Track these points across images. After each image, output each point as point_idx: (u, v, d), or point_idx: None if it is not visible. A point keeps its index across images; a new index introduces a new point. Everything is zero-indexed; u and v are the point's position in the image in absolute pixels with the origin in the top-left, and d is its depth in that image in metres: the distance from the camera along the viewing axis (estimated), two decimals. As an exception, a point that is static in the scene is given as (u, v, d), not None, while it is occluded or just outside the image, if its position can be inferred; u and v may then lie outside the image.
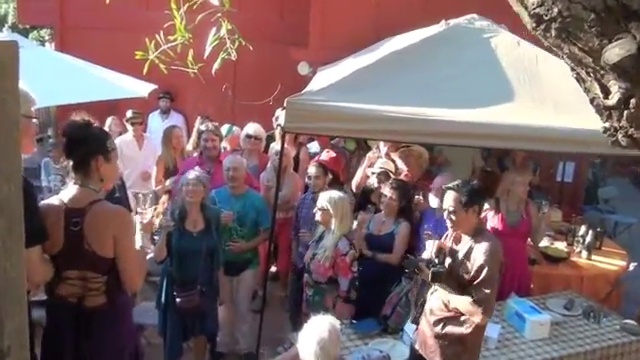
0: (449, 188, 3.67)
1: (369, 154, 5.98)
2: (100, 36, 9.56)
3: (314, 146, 6.70)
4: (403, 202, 5.08)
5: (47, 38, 16.81)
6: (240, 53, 9.32)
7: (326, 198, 4.69)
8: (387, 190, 5.10)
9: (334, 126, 4.44)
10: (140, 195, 3.67)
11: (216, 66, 3.00)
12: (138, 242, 3.28)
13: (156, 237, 4.85)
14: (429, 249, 3.75)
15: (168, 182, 6.35)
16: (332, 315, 4.36)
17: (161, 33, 2.93)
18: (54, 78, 6.25)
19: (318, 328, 3.29)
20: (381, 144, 6.20)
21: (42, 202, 3.05)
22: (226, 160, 5.39)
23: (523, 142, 4.46)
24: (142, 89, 7.68)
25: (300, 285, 4.97)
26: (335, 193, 4.76)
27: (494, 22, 5.60)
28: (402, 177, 5.60)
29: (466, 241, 3.67)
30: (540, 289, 5.45)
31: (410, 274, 4.02)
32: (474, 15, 5.63)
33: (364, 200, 5.64)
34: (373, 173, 5.74)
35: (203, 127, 6.12)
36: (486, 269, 3.47)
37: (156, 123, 9.27)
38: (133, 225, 3.20)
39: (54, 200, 3.07)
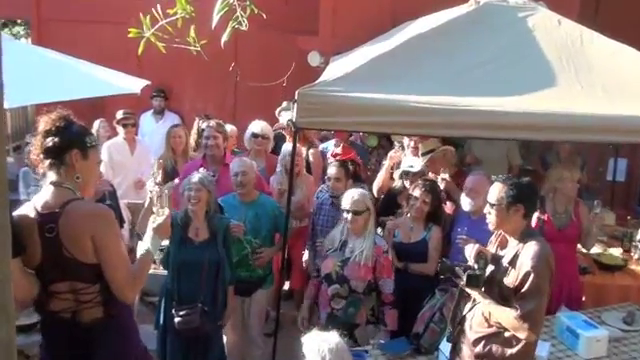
0: (496, 180, 3.67)
1: (391, 153, 5.99)
2: (83, 29, 9.66)
3: (329, 146, 6.71)
4: (433, 204, 5.12)
5: (22, 34, 16.99)
6: (242, 43, 9.39)
7: (359, 197, 4.71)
8: (417, 192, 5.13)
9: (353, 120, 4.45)
10: (155, 191, 3.59)
11: (225, 37, 3.00)
12: (145, 246, 3.23)
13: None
14: (467, 253, 3.75)
15: (166, 187, 6.38)
16: (362, 334, 4.41)
17: (158, 7, 2.93)
18: (31, 74, 6.14)
19: (324, 341, 3.25)
20: (405, 140, 6.21)
21: (14, 212, 3.02)
22: (233, 164, 5.41)
23: (568, 133, 4.45)
24: (133, 85, 7.72)
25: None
26: (362, 190, 4.84)
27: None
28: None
29: (512, 246, 3.65)
30: (593, 301, 5.44)
31: (445, 285, 4.03)
32: (507, -9, 5.63)
33: (389, 204, 5.63)
34: (405, 173, 5.71)
35: (204, 124, 6.11)
36: (533, 276, 3.44)
37: (149, 125, 9.33)
38: (115, 225, 3.13)
39: (26, 208, 3.07)
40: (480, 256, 3.70)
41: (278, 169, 6.13)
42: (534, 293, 3.45)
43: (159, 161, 6.63)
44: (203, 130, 6.12)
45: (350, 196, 4.75)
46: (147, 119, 9.57)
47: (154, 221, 3.33)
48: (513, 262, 3.56)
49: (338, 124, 4.61)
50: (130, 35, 2.94)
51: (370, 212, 4.76)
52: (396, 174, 5.88)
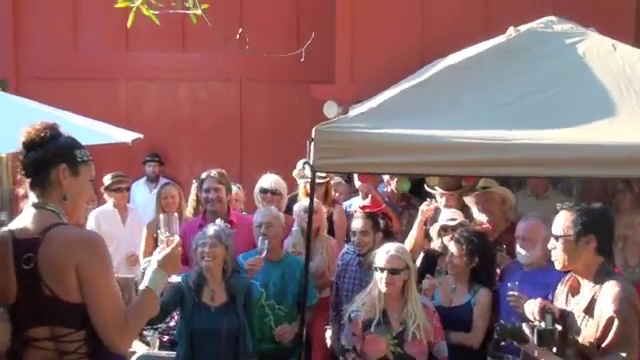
0: (562, 208, 3.60)
1: (422, 207, 5.89)
2: (65, 86, 9.87)
3: (354, 204, 6.64)
4: (475, 260, 4.99)
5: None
6: (248, 94, 9.57)
7: (396, 252, 4.59)
8: (453, 245, 5.03)
9: (379, 160, 4.41)
10: (162, 215, 3.37)
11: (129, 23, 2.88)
12: (145, 282, 3.03)
13: None
14: (529, 310, 3.60)
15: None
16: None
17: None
18: (9, 123, 6.29)
19: None
20: (438, 191, 6.14)
21: None
22: (257, 213, 5.37)
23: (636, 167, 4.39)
24: (124, 135, 7.82)
25: None
26: (398, 244, 4.76)
27: (579, 24, 5.67)
28: (479, 229, 5.49)
29: (587, 290, 3.52)
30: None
31: (499, 352, 3.89)
32: (551, 18, 5.69)
33: (428, 270, 5.48)
34: (444, 228, 5.57)
35: (204, 174, 6.01)
36: (617, 323, 3.29)
37: (142, 194, 9.35)
38: (106, 255, 2.94)
39: (1, 234, 2.92)
40: (546, 311, 3.57)
41: (294, 228, 6.04)
42: (622, 344, 3.30)
43: (148, 229, 6.61)
44: (203, 181, 5.95)
45: (385, 251, 4.61)
46: (139, 188, 9.60)
47: (160, 252, 3.16)
48: (590, 309, 3.43)
49: (362, 166, 4.55)
50: (117, 5, 2.91)
51: (410, 271, 4.60)
52: (432, 232, 5.76)
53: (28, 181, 2.97)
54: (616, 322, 3.30)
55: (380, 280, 4.55)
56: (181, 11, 2.94)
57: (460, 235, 5.08)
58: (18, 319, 2.90)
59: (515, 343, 3.70)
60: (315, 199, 5.93)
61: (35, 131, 2.98)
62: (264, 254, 5.09)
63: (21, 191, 3.04)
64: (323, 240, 6.02)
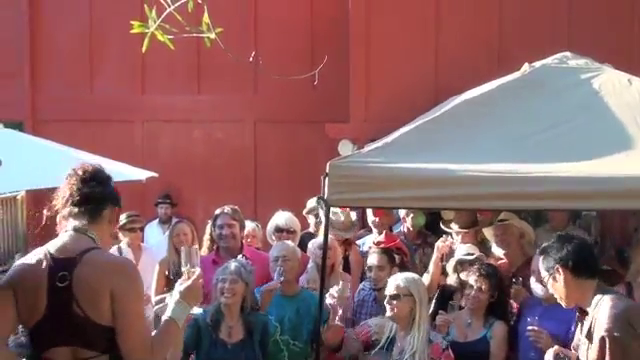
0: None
1: (438, 243, 5.85)
2: (82, 129, 9.97)
3: (367, 242, 6.61)
4: (495, 295, 4.96)
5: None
6: (262, 134, 9.60)
7: (401, 280, 4.66)
8: (473, 279, 5.00)
9: (394, 195, 4.41)
10: (183, 248, 3.49)
11: (144, 47, 2.93)
12: (168, 313, 3.11)
13: None
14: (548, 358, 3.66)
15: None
16: None
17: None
18: (26, 160, 6.47)
19: None
20: (454, 228, 6.11)
21: (23, 260, 3.01)
22: (273, 248, 5.38)
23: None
24: (138, 174, 7.90)
25: None
26: (409, 273, 4.78)
27: (594, 60, 5.68)
28: (496, 263, 5.46)
29: (589, 317, 3.51)
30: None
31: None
32: (566, 53, 5.71)
33: (444, 305, 5.44)
34: (460, 262, 5.55)
35: (218, 211, 6.01)
36: (609, 343, 3.27)
37: (155, 235, 9.31)
38: (140, 284, 3.07)
39: (37, 252, 3.00)
40: (560, 357, 3.60)
41: (309, 265, 6.00)
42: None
43: (160, 266, 6.57)
44: (216, 226, 5.93)
45: (394, 280, 4.72)
46: (152, 229, 9.55)
47: (181, 283, 3.24)
48: (590, 334, 3.41)
49: (377, 200, 4.56)
50: (133, 31, 2.94)
51: (416, 300, 4.63)
52: (449, 267, 5.72)
53: (75, 210, 3.06)
54: (608, 342, 3.28)
55: (386, 306, 4.67)
56: (195, 34, 2.94)
57: (482, 268, 5.07)
58: (39, 339, 2.92)
59: None
60: (330, 235, 5.96)
61: (93, 168, 3.16)
62: (282, 279, 5.09)
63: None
64: (338, 276, 5.93)
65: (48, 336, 2.90)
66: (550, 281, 3.60)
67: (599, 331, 3.32)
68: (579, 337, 3.66)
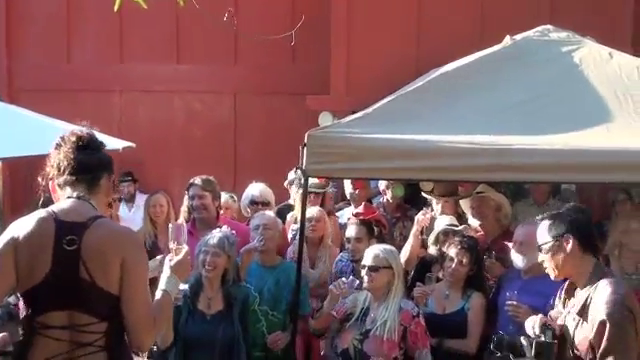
0: (542, 219, 3.59)
1: (418, 216, 5.85)
2: (59, 98, 9.82)
3: (346, 214, 6.60)
4: (474, 269, 4.97)
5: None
6: (242, 106, 9.48)
7: (380, 251, 4.66)
8: (453, 251, 4.99)
9: (374, 166, 4.41)
10: (170, 224, 3.57)
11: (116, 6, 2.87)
12: (162, 287, 3.16)
13: None
14: (529, 325, 3.60)
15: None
16: None
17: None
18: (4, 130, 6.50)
19: None
20: (434, 201, 6.11)
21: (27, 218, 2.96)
22: (256, 217, 5.36)
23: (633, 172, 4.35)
24: (115, 143, 7.77)
25: None
26: (386, 245, 4.79)
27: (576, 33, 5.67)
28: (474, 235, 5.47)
29: (582, 292, 3.47)
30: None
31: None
32: (548, 26, 5.71)
33: (422, 276, 5.44)
34: (444, 233, 5.54)
35: (190, 181, 5.90)
36: (609, 327, 3.23)
37: (122, 215, 9.15)
38: (146, 254, 3.10)
39: (40, 213, 2.96)
40: (547, 327, 3.53)
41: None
42: (616, 349, 3.23)
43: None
44: (189, 197, 5.90)
45: (371, 251, 4.71)
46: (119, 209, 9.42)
47: (171, 259, 3.29)
48: (584, 312, 3.37)
49: (356, 171, 4.56)
50: None
51: (394, 272, 4.66)
52: (430, 238, 5.72)
53: (69, 178, 3.02)
54: (608, 326, 3.25)
55: (364, 277, 4.66)
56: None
57: (461, 240, 5.06)
58: (35, 302, 2.88)
59: (511, 357, 3.62)
60: (319, 208, 5.96)
61: (87, 134, 3.10)
62: (262, 244, 5.15)
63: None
64: (326, 248, 5.95)
65: (47, 299, 2.86)
66: (551, 249, 3.49)
67: (599, 314, 3.29)
68: (560, 310, 3.65)
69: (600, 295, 3.34)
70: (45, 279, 2.84)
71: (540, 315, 3.67)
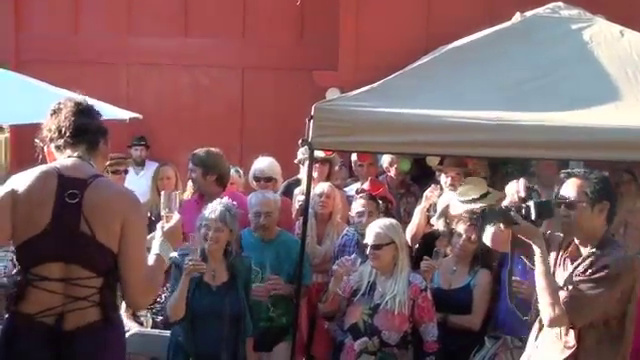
0: (571, 175, 3.53)
1: (426, 192, 5.84)
2: (65, 69, 9.80)
3: (353, 189, 6.59)
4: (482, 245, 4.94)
5: None
6: (250, 82, 9.40)
7: (380, 227, 4.65)
8: (462, 228, 5.01)
9: (380, 139, 4.44)
10: (164, 192, 3.65)
11: None
12: (155, 251, 3.20)
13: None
14: (511, 190, 3.59)
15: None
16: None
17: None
18: (10, 97, 6.59)
19: None
20: (442, 176, 6.10)
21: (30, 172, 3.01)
22: (253, 200, 5.32)
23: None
24: (122, 113, 7.90)
25: None
26: (386, 219, 4.79)
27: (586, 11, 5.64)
28: None
29: (586, 255, 3.46)
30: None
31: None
32: (559, 3, 5.67)
33: (427, 252, 5.44)
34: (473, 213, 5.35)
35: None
36: (610, 269, 3.27)
37: (128, 179, 9.18)
38: (146, 218, 3.19)
39: (43, 168, 3.01)
40: (531, 189, 3.58)
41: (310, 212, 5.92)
42: (602, 281, 3.28)
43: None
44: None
45: (371, 227, 4.72)
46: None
47: (163, 226, 3.31)
48: (592, 271, 3.36)
49: (362, 144, 4.58)
50: None
51: (397, 246, 4.68)
52: (434, 218, 5.70)
53: (69, 140, 3.06)
54: (607, 270, 3.29)
55: (369, 255, 4.69)
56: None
57: (470, 217, 5.03)
58: (31, 254, 2.92)
59: (502, 226, 3.61)
60: (329, 183, 5.96)
61: (85, 100, 3.18)
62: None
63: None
64: (335, 225, 5.91)
65: (45, 250, 2.90)
66: (584, 209, 3.41)
67: (603, 262, 3.33)
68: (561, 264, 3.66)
69: (612, 256, 3.36)
70: (45, 230, 2.88)
71: (522, 179, 3.66)
